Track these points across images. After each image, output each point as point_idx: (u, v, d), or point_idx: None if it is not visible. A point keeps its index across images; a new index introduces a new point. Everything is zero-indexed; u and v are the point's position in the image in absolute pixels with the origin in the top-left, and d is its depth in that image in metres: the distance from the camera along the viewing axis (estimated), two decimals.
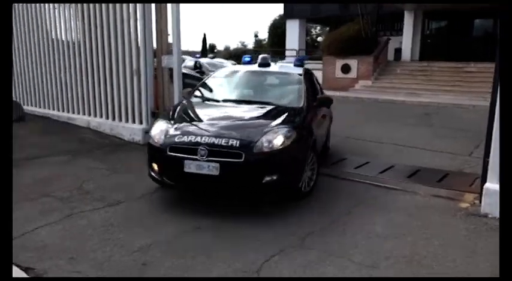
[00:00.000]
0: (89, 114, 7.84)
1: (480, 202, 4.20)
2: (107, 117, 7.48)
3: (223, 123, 4.31)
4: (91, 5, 7.36)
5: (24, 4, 8.75)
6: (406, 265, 3.05)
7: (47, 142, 6.77)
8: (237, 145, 3.83)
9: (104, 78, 7.41)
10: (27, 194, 4.31)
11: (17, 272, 2.84)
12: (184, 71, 15.32)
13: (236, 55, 38.08)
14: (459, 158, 6.28)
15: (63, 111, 8.43)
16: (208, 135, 3.97)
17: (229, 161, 3.79)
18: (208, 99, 5.27)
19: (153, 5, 6.65)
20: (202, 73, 16.03)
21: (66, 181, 4.82)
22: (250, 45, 43.33)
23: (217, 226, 3.65)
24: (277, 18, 36.49)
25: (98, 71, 7.50)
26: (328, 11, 22.55)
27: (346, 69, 17.41)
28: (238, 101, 5.10)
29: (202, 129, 4.17)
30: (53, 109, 8.65)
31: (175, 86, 6.65)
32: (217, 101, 5.17)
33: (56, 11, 8.18)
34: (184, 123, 4.39)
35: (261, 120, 4.45)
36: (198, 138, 3.95)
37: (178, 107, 4.94)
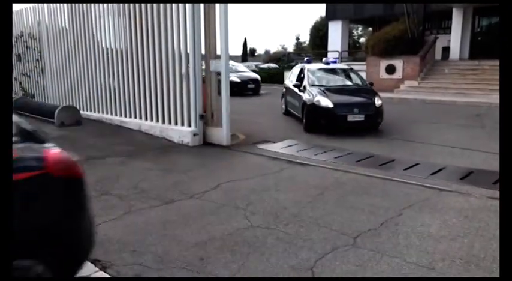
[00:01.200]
0: (140, 118, 8.21)
1: None
2: (157, 121, 7.80)
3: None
4: (138, 11, 7.72)
5: (76, 14, 9.30)
6: (463, 267, 2.99)
7: (102, 143, 7.16)
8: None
9: (154, 83, 7.74)
10: (89, 192, 4.59)
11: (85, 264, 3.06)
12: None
13: (276, 58, 38.24)
14: None
15: (115, 115, 8.88)
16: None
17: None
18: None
19: (202, 10, 6.86)
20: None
21: (123, 180, 5.09)
22: (291, 48, 43.32)
23: (268, 224, 3.73)
24: (318, 20, 36.27)
25: (148, 77, 7.84)
26: (372, 11, 22.14)
27: (390, 69, 17.03)
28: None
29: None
30: (106, 113, 9.13)
31: (223, 89, 6.83)
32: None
33: (104, 18, 8.64)
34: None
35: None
36: None
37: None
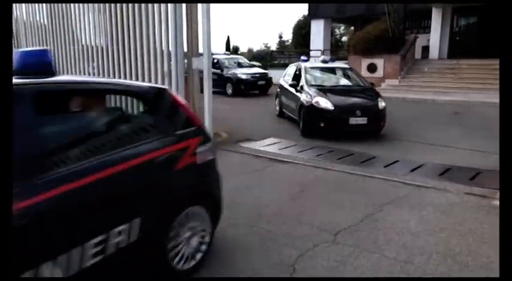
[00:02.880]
0: None
1: None
2: None
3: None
4: (119, 8, 7.62)
5: (55, 9, 9.12)
6: (440, 261, 3.07)
7: None
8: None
9: (135, 80, 7.65)
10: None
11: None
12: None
13: (259, 57, 38.25)
14: (492, 157, 6.17)
15: None
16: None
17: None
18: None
19: (184, 6, 6.82)
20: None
21: None
22: (274, 46, 43.40)
23: (250, 222, 3.75)
24: (301, 18, 36.43)
25: (129, 74, 7.74)
26: (354, 11, 22.35)
27: (372, 68, 17.25)
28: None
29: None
30: None
31: (206, 87, 6.81)
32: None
33: (84, 14, 8.51)
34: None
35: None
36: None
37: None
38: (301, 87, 8.59)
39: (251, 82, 15.33)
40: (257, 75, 15.76)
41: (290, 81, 9.50)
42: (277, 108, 10.68)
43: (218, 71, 15.43)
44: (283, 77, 10.85)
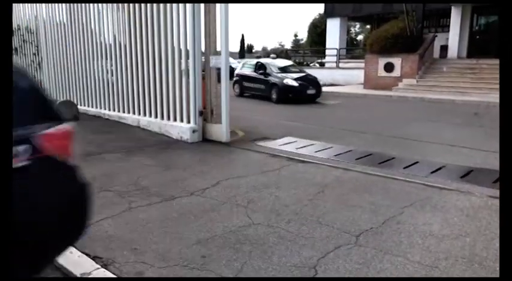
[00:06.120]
0: (139, 114, 8.16)
1: None
2: (156, 117, 7.76)
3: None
4: (138, 6, 7.66)
5: (74, 8, 9.21)
6: (466, 266, 2.98)
7: (100, 139, 7.11)
8: None
9: (153, 79, 7.68)
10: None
11: (85, 261, 3.03)
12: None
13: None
14: None
15: (113, 110, 8.82)
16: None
17: None
18: None
19: (202, 5, 6.82)
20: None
21: (122, 177, 5.05)
22: (288, 45, 43.24)
23: (269, 222, 3.72)
24: (317, 17, 36.20)
25: (147, 72, 7.79)
26: (370, 9, 22.12)
27: (389, 67, 17.04)
28: None
29: None
30: (104, 109, 9.07)
31: (223, 85, 6.79)
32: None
33: (103, 13, 8.56)
34: None
35: None
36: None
37: None
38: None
39: (299, 90, 13.65)
40: (307, 80, 14.18)
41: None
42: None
43: (262, 77, 14.60)
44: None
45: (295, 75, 14.18)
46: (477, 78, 15.60)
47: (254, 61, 16.17)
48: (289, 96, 13.53)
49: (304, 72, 15.33)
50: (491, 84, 14.74)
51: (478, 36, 18.76)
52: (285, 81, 13.71)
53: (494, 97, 13.31)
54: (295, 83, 13.63)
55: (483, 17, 19.05)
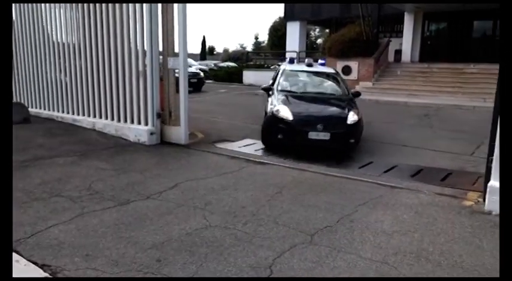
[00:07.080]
0: (94, 116, 7.91)
1: (484, 199, 4.28)
2: (113, 119, 7.55)
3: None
4: (92, 5, 7.43)
5: (25, 6, 8.82)
6: (414, 261, 3.12)
7: (52, 143, 6.83)
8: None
9: (109, 80, 7.47)
10: (38, 194, 4.37)
11: (33, 269, 2.90)
12: None
13: (235, 57, 38.24)
14: (461, 158, 6.36)
15: (67, 113, 8.49)
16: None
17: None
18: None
19: (159, 5, 6.72)
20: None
21: (75, 181, 4.88)
22: (250, 47, 43.46)
23: (226, 223, 3.72)
24: (277, 20, 36.61)
25: (103, 73, 7.57)
26: (329, 13, 22.67)
27: (346, 71, 17.52)
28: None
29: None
30: (57, 111, 8.71)
31: (181, 87, 6.72)
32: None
33: (55, 11, 8.25)
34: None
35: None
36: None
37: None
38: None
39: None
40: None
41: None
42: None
43: None
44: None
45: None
46: (428, 82, 16.36)
47: None
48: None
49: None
50: (441, 87, 15.53)
51: (429, 42, 19.70)
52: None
53: (444, 99, 14.05)
54: None
55: (434, 23, 20.04)
